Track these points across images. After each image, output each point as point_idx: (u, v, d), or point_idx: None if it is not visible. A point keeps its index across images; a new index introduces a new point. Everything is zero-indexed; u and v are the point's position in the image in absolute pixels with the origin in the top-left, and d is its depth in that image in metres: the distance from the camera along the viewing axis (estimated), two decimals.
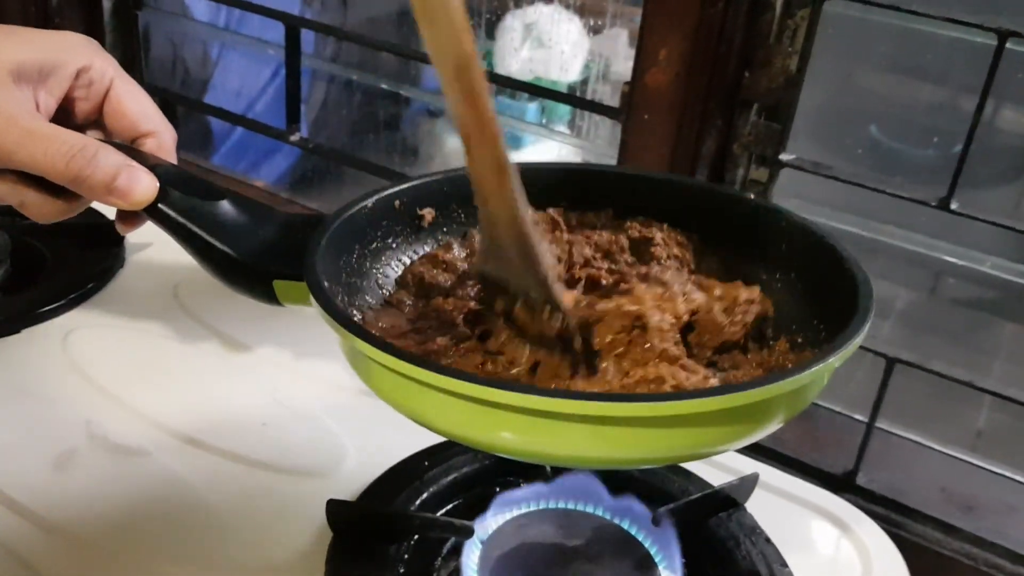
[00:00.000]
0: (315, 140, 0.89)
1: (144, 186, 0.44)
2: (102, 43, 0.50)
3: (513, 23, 1.30)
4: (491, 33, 1.31)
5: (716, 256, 0.50)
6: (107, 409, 0.57)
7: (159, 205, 0.45)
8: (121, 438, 0.55)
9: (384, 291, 0.48)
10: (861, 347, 0.67)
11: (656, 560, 0.49)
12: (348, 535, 0.49)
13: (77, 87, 0.47)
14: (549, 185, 0.51)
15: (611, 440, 0.35)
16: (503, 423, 0.35)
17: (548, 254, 0.41)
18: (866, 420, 0.69)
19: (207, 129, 1.28)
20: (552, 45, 1.30)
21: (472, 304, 0.46)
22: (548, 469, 0.54)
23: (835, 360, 0.37)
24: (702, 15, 0.67)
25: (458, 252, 0.50)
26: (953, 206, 0.63)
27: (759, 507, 0.53)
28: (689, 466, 0.56)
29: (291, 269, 0.43)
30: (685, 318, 0.44)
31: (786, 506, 0.57)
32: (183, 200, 0.45)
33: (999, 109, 0.86)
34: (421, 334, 0.44)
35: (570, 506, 0.52)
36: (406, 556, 0.49)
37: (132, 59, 0.96)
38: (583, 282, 0.48)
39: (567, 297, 0.42)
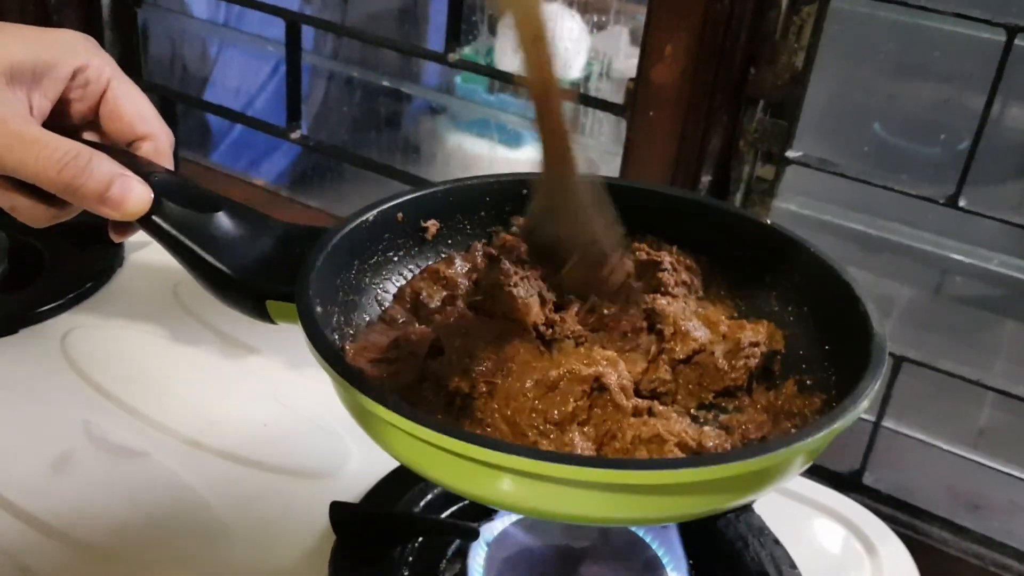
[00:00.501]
0: (315, 137, 0.88)
1: (137, 197, 0.43)
2: (101, 40, 0.49)
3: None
4: (493, 30, 1.31)
5: (726, 281, 0.48)
6: (106, 410, 0.57)
7: (152, 216, 0.44)
8: (120, 439, 0.55)
9: (383, 306, 0.47)
10: None
11: (663, 562, 0.49)
12: (352, 537, 0.48)
13: (73, 88, 0.46)
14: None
15: (635, 504, 0.34)
16: (496, 481, 0.34)
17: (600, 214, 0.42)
18: (872, 419, 0.68)
19: (206, 127, 1.27)
20: (553, 42, 1.29)
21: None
22: None
23: (845, 422, 0.36)
24: (708, 11, 0.66)
25: (460, 267, 0.48)
26: (961, 203, 0.63)
27: (767, 507, 0.53)
28: None
29: (285, 288, 0.41)
30: (682, 356, 0.43)
31: (794, 506, 0.56)
32: (177, 211, 0.44)
33: (1005, 106, 0.85)
34: (391, 364, 0.42)
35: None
36: (410, 559, 0.49)
37: (131, 56, 0.95)
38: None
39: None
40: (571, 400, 0.39)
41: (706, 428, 0.41)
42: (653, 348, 0.43)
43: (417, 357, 0.42)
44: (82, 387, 0.58)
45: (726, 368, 0.43)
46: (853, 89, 0.88)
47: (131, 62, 0.94)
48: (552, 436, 0.38)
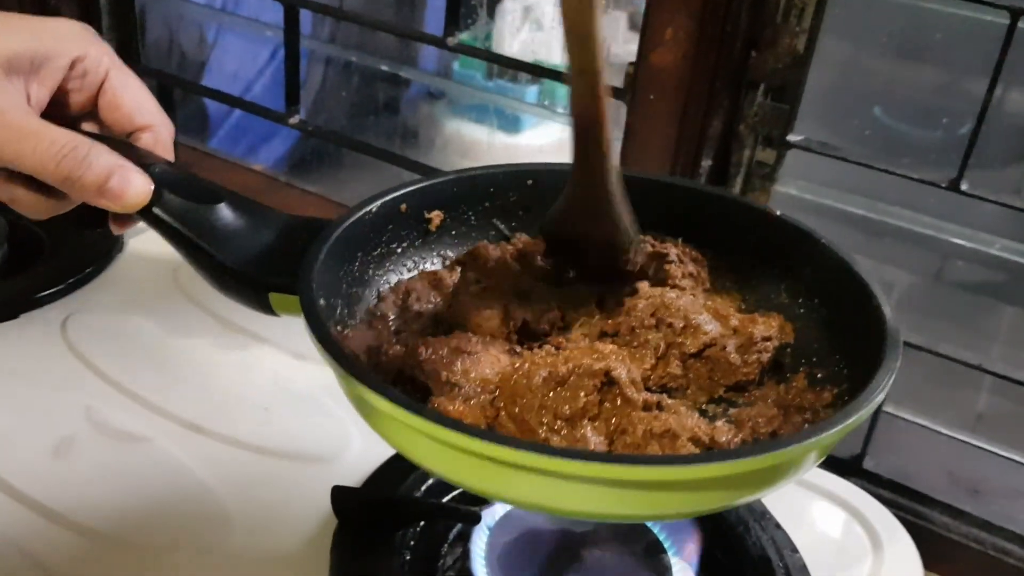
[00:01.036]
0: (313, 123, 0.88)
1: (137, 188, 0.42)
2: (98, 26, 0.48)
3: (512, 5, 1.29)
4: (491, 14, 1.30)
5: (733, 273, 0.47)
6: (107, 395, 0.57)
7: (153, 209, 0.43)
8: (121, 424, 0.55)
9: (380, 300, 0.46)
10: None
11: (665, 546, 0.49)
12: (353, 522, 0.48)
13: (71, 78, 0.46)
14: (543, 190, 0.48)
15: (649, 501, 0.34)
16: (509, 479, 0.34)
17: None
18: None
19: (204, 112, 1.27)
20: (551, 27, 1.29)
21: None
22: None
23: (860, 417, 0.35)
24: None
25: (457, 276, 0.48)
26: (963, 187, 0.62)
27: None
28: None
29: (287, 281, 0.41)
30: (693, 350, 0.42)
31: (795, 491, 0.56)
32: (178, 203, 0.43)
33: (1006, 90, 0.85)
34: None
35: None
36: (412, 543, 0.49)
37: (129, 41, 0.95)
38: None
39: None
40: (581, 395, 0.38)
41: (718, 423, 0.40)
42: (662, 344, 0.43)
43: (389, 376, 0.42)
44: (83, 372, 0.58)
45: (738, 362, 0.42)
46: (854, 73, 0.87)
47: (129, 47, 0.94)
48: (563, 432, 0.38)
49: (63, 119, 0.44)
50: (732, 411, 0.42)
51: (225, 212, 0.44)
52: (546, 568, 0.47)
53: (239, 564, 0.47)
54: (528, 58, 1.28)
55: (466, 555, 0.47)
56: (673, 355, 0.43)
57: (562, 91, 1.29)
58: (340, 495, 0.49)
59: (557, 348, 0.42)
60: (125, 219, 0.45)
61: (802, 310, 0.45)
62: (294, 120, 0.87)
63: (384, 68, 1.23)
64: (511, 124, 1.31)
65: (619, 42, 1.33)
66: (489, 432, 0.35)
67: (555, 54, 1.29)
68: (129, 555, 0.47)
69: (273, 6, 0.86)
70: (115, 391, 0.57)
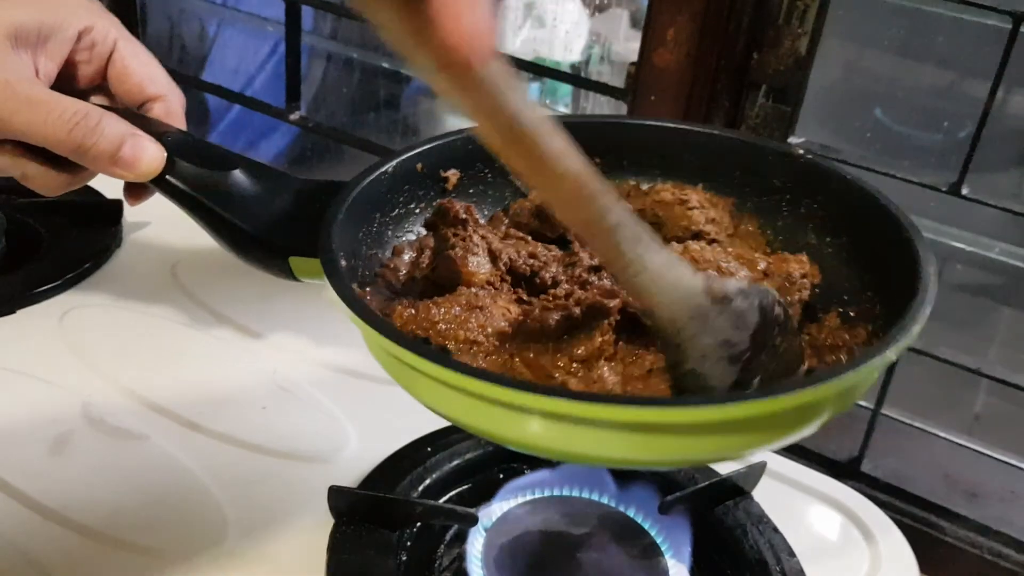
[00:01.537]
0: (314, 118, 0.87)
1: (151, 156, 0.42)
2: None
3: (514, 2, 1.29)
4: (494, 11, 1.30)
5: (758, 217, 0.46)
6: (104, 391, 0.56)
7: (167, 176, 0.43)
8: (119, 421, 0.54)
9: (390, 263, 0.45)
10: None
11: (662, 549, 0.49)
12: (350, 522, 0.48)
13: (79, 50, 0.45)
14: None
15: (663, 444, 0.33)
16: (525, 423, 0.33)
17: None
18: (871, 407, 0.68)
19: (204, 106, 1.27)
20: (553, 25, 1.28)
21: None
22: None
23: (900, 346, 0.33)
24: None
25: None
26: (964, 191, 0.62)
27: (765, 495, 0.53)
28: None
29: (307, 243, 0.40)
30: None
31: (792, 494, 0.56)
32: (192, 171, 0.43)
33: (1007, 93, 0.85)
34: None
35: (576, 493, 0.51)
36: (408, 543, 0.49)
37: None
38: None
39: None
40: (597, 336, 0.36)
41: None
42: None
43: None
44: (80, 368, 0.58)
45: None
46: (856, 74, 0.87)
47: None
48: (580, 375, 0.36)
49: (73, 92, 0.44)
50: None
51: (240, 178, 0.43)
52: (542, 570, 0.47)
53: (235, 563, 0.47)
54: (529, 55, 1.28)
55: (462, 556, 0.47)
56: None
57: (563, 89, 1.29)
58: (337, 495, 0.48)
59: (567, 296, 0.40)
60: (140, 191, 0.45)
61: (830, 249, 0.43)
62: (295, 116, 0.87)
63: (385, 65, 1.23)
64: None
65: (620, 40, 1.32)
66: (527, 382, 0.34)
67: (556, 51, 1.29)
68: (125, 552, 0.47)
69: (274, 1, 0.86)
70: (113, 388, 0.57)
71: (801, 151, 0.46)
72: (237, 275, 0.69)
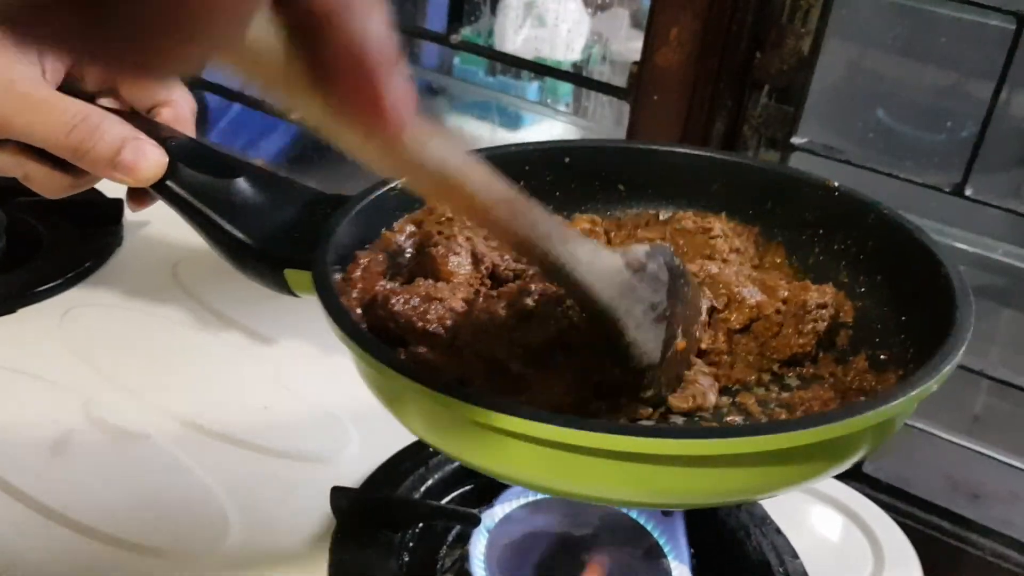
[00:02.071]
0: None
1: (152, 161, 0.42)
2: None
3: (515, 1, 1.29)
4: (494, 10, 1.30)
5: (788, 251, 0.44)
6: (105, 391, 0.56)
7: (167, 182, 0.42)
8: (120, 421, 0.54)
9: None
10: None
11: (665, 550, 0.49)
12: (352, 522, 0.48)
13: None
14: (578, 167, 0.45)
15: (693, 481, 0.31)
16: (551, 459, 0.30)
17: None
18: None
19: (203, 106, 1.26)
20: (554, 24, 1.28)
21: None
22: None
23: (931, 384, 0.32)
24: None
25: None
26: (967, 192, 0.62)
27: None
28: None
29: (305, 257, 0.39)
30: (738, 325, 0.39)
31: (796, 496, 0.56)
32: (195, 177, 0.42)
33: (1010, 94, 0.85)
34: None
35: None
36: (411, 544, 0.48)
37: None
38: None
39: None
40: (551, 323, 0.35)
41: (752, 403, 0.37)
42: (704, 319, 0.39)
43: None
44: (81, 368, 0.58)
45: (792, 333, 0.39)
46: (859, 75, 0.87)
47: None
48: (534, 364, 0.35)
49: (82, 96, 0.43)
50: (784, 395, 0.39)
51: (243, 186, 0.42)
52: (545, 571, 0.47)
53: (237, 563, 0.47)
54: (530, 54, 1.28)
55: (465, 557, 0.47)
56: (719, 329, 0.40)
57: (563, 88, 1.29)
58: (339, 496, 0.48)
59: (521, 289, 0.39)
60: (142, 196, 0.45)
61: (863, 288, 0.41)
62: (296, 115, 0.86)
63: None
64: (512, 120, 1.30)
65: (621, 40, 1.32)
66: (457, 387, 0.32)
67: (557, 51, 1.29)
68: (126, 552, 0.47)
69: None
70: (114, 387, 0.57)
71: (836, 184, 0.43)
72: (238, 276, 0.69)
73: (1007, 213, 0.62)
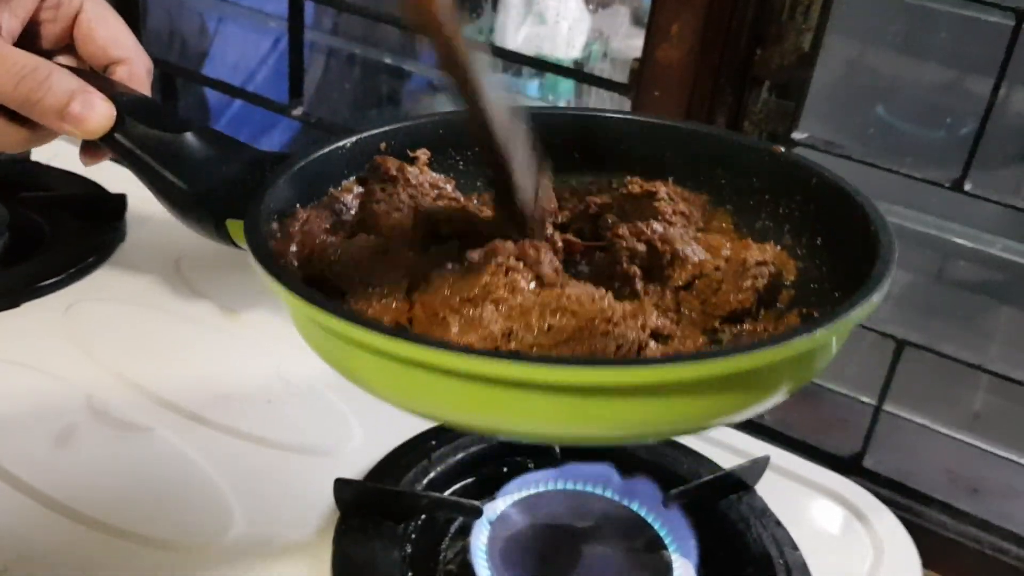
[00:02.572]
0: (315, 114, 0.87)
1: (99, 113, 0.42)
2: None
3: None
4: (495, 7, 1.30)
5: (734, 216, 0.45)
6: (109, 384, 0.57)
7: (115, 134, 0.43)
8: (123, 413, 0.54)
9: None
10: (869, 328, 0.67)
11: (666, 542, 0.49)
12: (356, 514, 0.48)
13: (44, 8, 0.45)
14: (535, 134, 0.43)
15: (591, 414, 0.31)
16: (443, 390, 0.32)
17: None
18: (873, 403, 0.69)
19: (204, 101, 1.27)
20: (554, 22, 1.29)
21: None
22: (557, 452, 0.53)
23: (828, 331, 0.32)
24: None
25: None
26: (967, 187, 0.63)
27: (768, 489, 0.53)
28: (700, 448, 0.56)
29: (245, 207, 0.39)
30: (680, 282, 0.40)
31: (796, 488, 0.56)
32: (142, 130, 0.43)
33: (1010, 90, 0.85)
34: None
35: (579, 488, 0.51)
36: (413, 535, 0.49)
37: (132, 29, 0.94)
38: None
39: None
40: (484, 275, 0.36)
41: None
42: (641, 285, 0.41)
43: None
44: (84, 361, 0.58)
45: (731, 289, 0.40)
46: (859, 71, 0.88)
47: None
48: (465, 312, 0.36)
49: (38, 51, 0.44)
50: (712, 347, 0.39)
51: (191, 141, 0.43)
52: (546, 563, 0.47)
53: (241, 554, 0.47)
54: (531, 51, 1.28)
55: (467, 549, 0.47)
56: (667, 290, 0.41)
57: (564, 86, 1.29)
58: (342, 487, 0.49)
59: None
60: (94, 150, 0.45)
61: (804, 251, 0.43)
62: (297, 112, 0.87)
63: (386, 60, 1.23)
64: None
65: (621, 37, 1.33)
66: (369, 321, 0.33)
67: (558, 48, 1.29)
68: (130, 544, 0.47)
69: None
70: (117, 380, 0.57)
71: (782, 148, 0.45)
72: (241, 270, 0.69)
73: (1006, 209, 0.63)
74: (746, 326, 0.41)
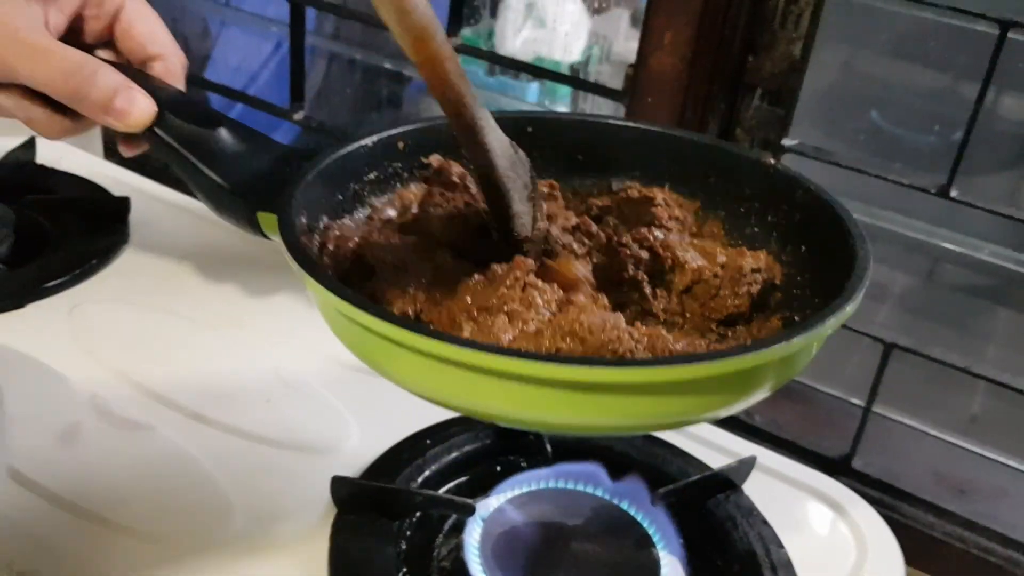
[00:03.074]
0: (316, 118, 0.89)
1: (141, 108, 0.45)
2: None
3: (515, 2, 1.30)
4: (494, 12, 1.31)
5: (725, 222, 0.48)
6: (112, 383, 0.58)
7: (155, 129, 0.45)
8: (126, 413, 0.56)
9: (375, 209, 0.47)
10: (859, 332, 0.67)
11: (654, 540, 0.50)
12: (352, 511, 0.49)
13: (88, 5, 0.47)
14: (539, 140, 0.48)
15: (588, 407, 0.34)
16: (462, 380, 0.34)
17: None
18: (863, 404, 0.70)
19: (206, 102, 1.28)
20: (553, 25, 1.29)
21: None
22: (549, 451, 0.54)
23: (801, 340, 0.34)
24: None
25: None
26: (953, 194, 0.64)
27: (756, 489, 0.54)
28: (688, 448, 0.57)
29: (275, 201, 0.41)
30: (681, 287, 0.43)
31: (782, 488, 0.57)
32: (180, 125, 0.46)
33: (1000, 96, 0.86)
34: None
35: (570, 487, 0.52)
36: (408, 532, 0.50)
37: None
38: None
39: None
40: (503, 288, 0.38)
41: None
42: (649, 289, 0.43)
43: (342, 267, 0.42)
44: (88, 361, 0.59)
45: (728, 294, 0.42)
46: (850, 77, 0.88)
47: None
48: (479, 320, 0.38)
49: (80, 46, 0.46)
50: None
51: (224, 135, 0.46)
52: (537, 559, 0.49)
53: (241, 550, 0.48)
54: (530, 55, 1.29)
55: (460, 546, 0.48)
56: (662, 291, 0.43)
57: (563, 90, 1.30)
58: (339, 485, 0.50)
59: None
60: (133, 141, 0.48)
61: (789, 258, 0.45)
62: (298, 116, 0.88)
63: (387, 65, 1.24)
64: None
65: (620, 40, 1.33)
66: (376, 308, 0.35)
67: (557, 51, 1.30)
68: (133, 540, 0.48)
69: (275, 0, 0.87)
70: (120, 380, 0.58)
71: (772, 161, 0.47)
72: (241, 272, 0.71)
73: (994, 215, 0.64)
74: (740, 328, 0.43)
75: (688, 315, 0.43)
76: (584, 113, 0.45)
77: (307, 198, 0.42)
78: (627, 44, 1.29)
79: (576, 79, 1.14)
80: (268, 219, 0.43)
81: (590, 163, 0.50)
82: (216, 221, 0.47)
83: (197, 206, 0.72)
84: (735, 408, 0.36)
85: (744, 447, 0.59)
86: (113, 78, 0.45)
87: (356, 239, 0.43)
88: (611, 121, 0.51)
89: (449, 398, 0.36)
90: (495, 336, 0.37)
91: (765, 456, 0.58)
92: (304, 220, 0.41)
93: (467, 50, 0.84)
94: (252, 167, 0.45)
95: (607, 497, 0.52)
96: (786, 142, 0.70)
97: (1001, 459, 0.69)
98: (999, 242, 0.82)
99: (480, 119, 0.39)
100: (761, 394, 0.36)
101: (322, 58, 1.27)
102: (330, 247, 0.43)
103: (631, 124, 0.51)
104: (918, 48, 0.85)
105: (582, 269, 0.42)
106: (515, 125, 0.47)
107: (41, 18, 0.45)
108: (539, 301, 0.38)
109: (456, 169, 0.47)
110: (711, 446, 0.59)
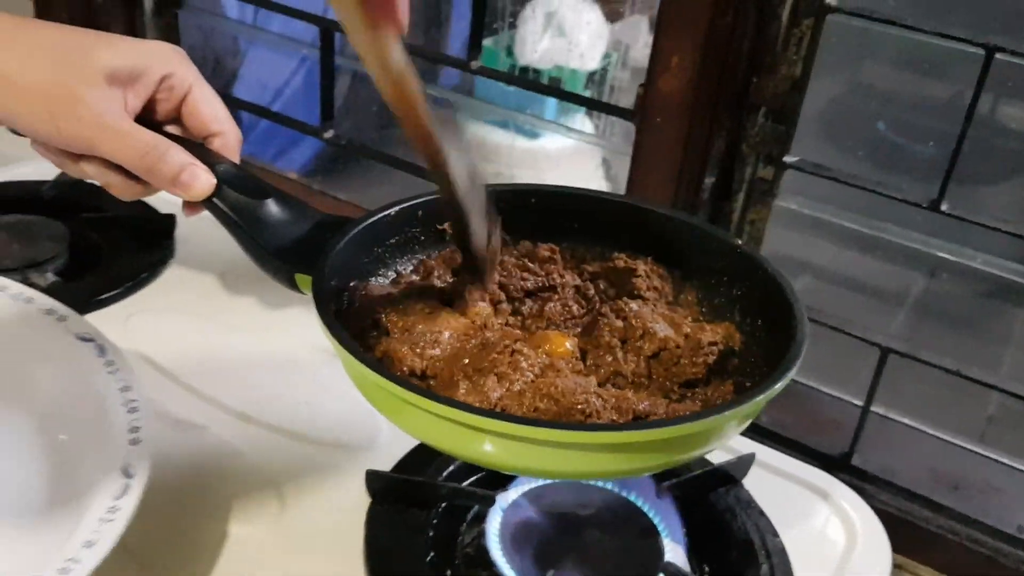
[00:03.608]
0: (340, 131, 0.93)
1: (202, 183, 0.51)
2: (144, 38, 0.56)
3: (534, 13, 1.31)
4: (514, 25, 1.34)
5: (698, 292, 0.54)
6: (166, 388, 0.63)
7: (214, 199, 0.52)
8: (179, 413, 0.61)
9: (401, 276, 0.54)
10: (858, 338, 0.70)
11: (659, 529, 0.54)
12: (384, 501, 0.54)
13: (160, 90, 0.54)
14: (542, 209, 0.56)
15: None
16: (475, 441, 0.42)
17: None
18: (861, 405, 0.72)
19: (236, 117, 1.32)
20: (572, 34, 1.31)
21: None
22: None
23: (735, 413, 0.41)
24: (713, 24, 0.70)
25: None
26: (944, 207, 0.67)
27: (755, 483, 0.58)
28: None
29: (310, 265, 0.49)
30: (648, 352, 0.49)
31: (779, 482, 0.61)
32: (234, 196, 0.52)
33: (996, 109, 0.89)
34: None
35: (583, 480, 0.57)
36: (435, 521, 0.54)
37: None
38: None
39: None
40: (494, 354, 0.45)
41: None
42: (621, 354, 0.49)
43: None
44: (146, 367, 0.64)
45: (688, 363, 0.48)
46: (852, 94, 0.92)
47: None
48: (472, 379, 0.45)
49: (151, 123, 0.53)
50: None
51: (271, 206, 0.52)
52: (552, 546, 0.52)
53: (284, 537, 0.53)
54: (549, 64, 1.32)
55: (482, 533, 0.53)
56: (640, 359, 0.49)
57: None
58: (373, 477, 0.54)
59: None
60: (194, 206, 0.54)
61: (747, 329, 0.51)
62: (328, 135, 0.93)
63: None
64: (529, 136, 1.35)
65: (639, 46, 1.36)
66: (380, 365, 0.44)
67: (574, 60, 1.33)
68: (190, 529, 0.53)
69: (300, 22, 0.93)
70: (173, 384, 0.63)
71: (740, 242, 0.54)
72: (277, 285, 0.75)
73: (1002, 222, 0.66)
74: (698, 390, 0.49)
75: (654, 377, 0.49)
76: (582, 188, 0.53)
77: (337, 263, 0.49)
78: (645, 51, 1.30)
79: (590, 100, 1.16)
80: (304, 280, 0.50)
81: (585, 231, 0.57)
82: None
83: None
84: (692, 458, 0.44)
85: (745, 444, 0.63)
86: (180, 157, 0.51)
87: (376, 301, 0.50)
88: (605, 196, 0.59)
89: (439, 445, 0.45)
90: (485, 394, 0.44)
91: (764, 453, 0.62)
92: (335, 283, 0.49)
93: (491, 74, 0.89)
94: (293, 234, 0.52)
95: (616, 490, 0.56)
96: (787, 158, 0.73)
97: (993, 456, 0.72)
98: (994, 252, 0.84)
99: (444, 152, 0.45)
100: (711, 449, 0.44)
101: (346, 76, 1.32)
102: (356, 306, 0.50)
103: (622, 200, 0.59)
104: (916, 66, 0.88)
105: (570, 344, 0.49)
106: (520, 196, 0.56)
107: (121, 102, 0.51)
108: (524, 365, 0.46)
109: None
110: None
